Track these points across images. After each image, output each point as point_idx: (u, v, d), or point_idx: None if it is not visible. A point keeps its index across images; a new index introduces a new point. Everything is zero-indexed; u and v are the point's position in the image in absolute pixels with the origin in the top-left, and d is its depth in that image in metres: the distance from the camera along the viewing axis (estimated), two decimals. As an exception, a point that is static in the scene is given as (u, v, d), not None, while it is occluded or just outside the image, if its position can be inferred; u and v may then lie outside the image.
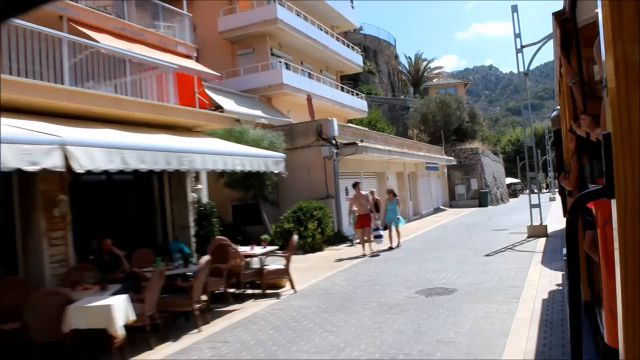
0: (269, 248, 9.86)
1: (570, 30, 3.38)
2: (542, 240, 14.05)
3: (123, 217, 10.21)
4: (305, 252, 14.60)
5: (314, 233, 14.90)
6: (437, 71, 52.32)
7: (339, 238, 16.53)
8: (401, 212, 25.37)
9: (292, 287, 9.04)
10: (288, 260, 9.00)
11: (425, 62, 50.96)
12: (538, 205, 15.39)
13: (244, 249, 9.33)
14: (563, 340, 5.26)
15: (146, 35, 14.12)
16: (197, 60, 26.92)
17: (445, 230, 18.67)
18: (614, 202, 1.22)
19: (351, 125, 19.10)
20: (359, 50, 33.55)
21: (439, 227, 20.14)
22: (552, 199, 39.27)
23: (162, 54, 13.85)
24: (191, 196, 11.38)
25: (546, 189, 63.27)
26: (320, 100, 26.86)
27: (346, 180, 18.82)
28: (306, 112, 22.41)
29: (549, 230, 15.31)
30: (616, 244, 1.20)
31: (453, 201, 35.26)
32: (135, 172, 6.42)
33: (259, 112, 21.56)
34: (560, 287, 7.80)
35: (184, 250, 9.68)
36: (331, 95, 28.16)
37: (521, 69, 15.29)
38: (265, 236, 13.33)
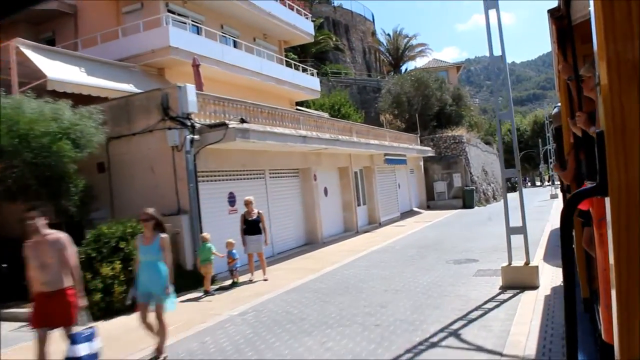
0: None
1: (566, 27, 3.38)
2: (529, 297, 7.35)
3: None
4: (96, 317, 7.92)
5: (111, 283, 8.23)
6: (419, 49, 45.37)
7: (191, 280, 9.82)
8: (346, 222, 18.75)
9: None
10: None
11: (406, 39, 43.97)
12: (524, 231, 8.62)
13: None
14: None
15: None
16: (76, 20, 20.36)
17: (371, 265, 11.88)
18: (607, 200, 1.22)
19: (228, 97, 12.33)
20: (309, 15, 26.68)
21: (367, 257, 13.33)
22: (554, 196, 32.45)
23: None
24: None
25: (549, 182, 56.39)
26: (247, 75, 20.15)
27: (222, 184, 12.09)
28: (215, 88, 15.73)
29: (544, 270, 8.65)
30: (610, 241, 1.21)
31: (432, 201, 28.49)
32: None
33: (127, 86, 14.86)
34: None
35: None
36: (262, 69, 21.36)
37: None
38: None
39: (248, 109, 12.71)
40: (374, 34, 45.80)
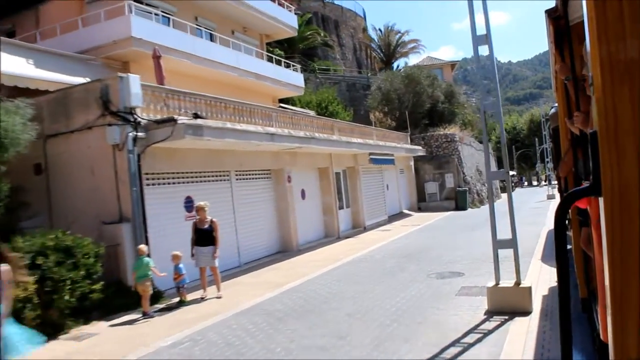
0: None
1: (563, 27, 3.39)
2: (519, 326, 6.04)
3: None
4: None
5: (22, 307, 6.89)
6: (412, 45, 43.99)
7: (132, 299, 8.47)
8: (327, 227, 17.40)
9: None
10: None
11: (398, 35, 42.58)
12: (514, 246, 7.33)
13: None
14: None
15: None
16: (37, 12, 18.99)
17: (342, 279, 10.55)
18: (601, 200, 1.23)
19: (183, 90, 10.92)
20: (292, 7, 25.32)
21: (341, 269, 12.01)
22: (551, 197, 31.23)
23: None
24: None
25: (546, 182, 55.22)
26: (222, 69, 18.80)
27: (178, 187, 10.76)
28: (186, 83, 14.37)
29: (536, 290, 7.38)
30: (604, 240, 1.21)
31: (423, 203, 27.19)
32: None
33: (83, 81, 13.48)
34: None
35: None
36: (240, 63, 20.00)
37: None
38: None
39: (210, 104, 11.37)
40: (365, 30, 44.42)
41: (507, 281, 6.89)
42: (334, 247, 14.87)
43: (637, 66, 1.15)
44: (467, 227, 17.53)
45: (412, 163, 26.95)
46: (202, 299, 8.94)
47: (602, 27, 1.17)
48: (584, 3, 1.24)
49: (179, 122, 9.17)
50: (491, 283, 6.93)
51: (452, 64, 59.15)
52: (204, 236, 9.02)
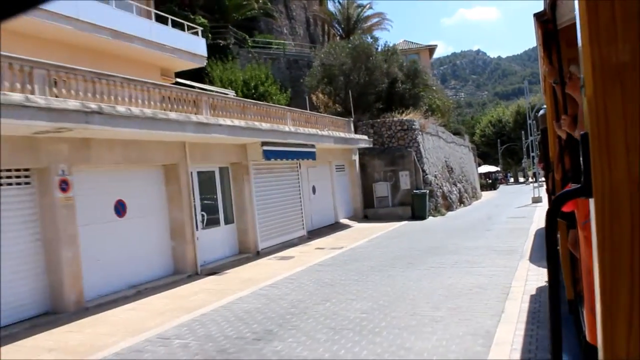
0: None
1: (551, 30, 3.47)
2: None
3: None
4: None
5: None
6: (376, 19, 37.59)
7: None
8: (176, 259, 10.79)
9: None
10: None
11: (360, 9, 36.07)
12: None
13: None
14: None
15: None
16: None
17: None
18: (592, 201, 1.24)
19: None
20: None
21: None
22: (537, 200, 25.15)
23: None
24: None
25: (533, 180, 49.31)
26: (62, 23, 12.51)
27: None
28: (20, 45, 8.04)
29: None
30: (594, 241, 1.23)
31: (371, 209, 20.96)
32: None
33: None
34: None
35: None
36: (103, 19, 13.64)
37: None
38: None
39: None
40: (322, 2, 37.96)
41: None
42: (153, 305, 8.51)
43: (629, 68, 1.16)
44: (412, 255, 11.33)
45: (355, 157, 20.67)
46: None
47: (594, 28, 1.17)
48: (576, 4, 1.24)
49: None
50: None
51: (430, 48, 53.04)
52: None
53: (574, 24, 1.30)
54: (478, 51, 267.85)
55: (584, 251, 2.65)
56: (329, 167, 18.92)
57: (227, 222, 12.58)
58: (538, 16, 3.73)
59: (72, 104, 7.55)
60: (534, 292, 7.54)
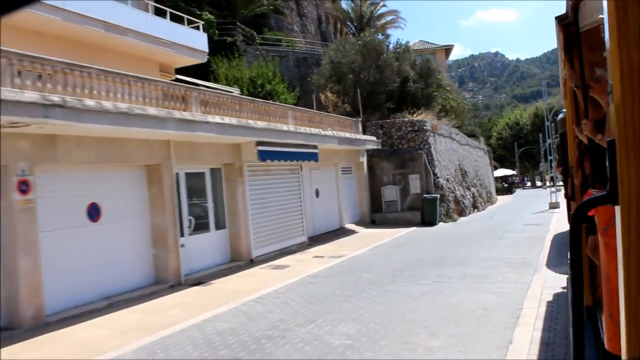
0: None
1: (573, 34, 3.41)
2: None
3: None
4: None
5: None
6: (390, 17, 36.54)
7: None
8: (158, 268, 9.84)
9: None
10: None
11: (373, 7, 35.03)
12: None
13: None
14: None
15: None
16: None
17: None
18: (617, 209, 1.21)
19: None
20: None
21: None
22: (554, 206, 23.90)
23: None
24: None
25: (550, 183, 47.69)
26: (75, 20, 11.94)
27: None
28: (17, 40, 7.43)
29: None
30: (619, 249, 1.19)
31: (379, 214, 19.96)
32: None
33: None
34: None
35: None
36: (92, 10, 12.94)
37: None
38: None
39: None
40: (335, 0, 37.04)
41: None
42: (122, 320, 7.67)
43: None
44: (416, 267, 10.36)
45: (363, 159, 19.70)
46: None
47: (623, 32, 1.13)
48: (605, 5, 1.18)
49: None
50: None
51: (447, 48, 51.70)
52: None
53: (597, 27, 1.37)
54: (496, 53, 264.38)
55: (604, 257, 2.63)
56: (335, 169, 18.00)
57: (218, 227, 11.73)
58: (560, 19, 3.70)
59: (29, 95, 6.76)
60: (547, 316, 6.53)
